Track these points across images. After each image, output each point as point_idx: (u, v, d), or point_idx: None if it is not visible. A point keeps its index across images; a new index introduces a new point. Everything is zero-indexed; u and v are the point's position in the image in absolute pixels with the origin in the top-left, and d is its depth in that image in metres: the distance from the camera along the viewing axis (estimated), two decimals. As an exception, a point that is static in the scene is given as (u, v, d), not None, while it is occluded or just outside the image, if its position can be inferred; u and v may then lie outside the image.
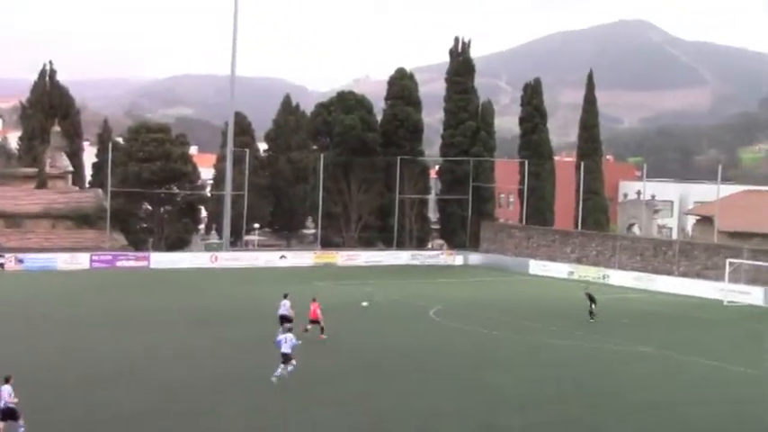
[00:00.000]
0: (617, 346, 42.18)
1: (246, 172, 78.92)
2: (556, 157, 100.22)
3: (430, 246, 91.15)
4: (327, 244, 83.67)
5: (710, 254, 66.65)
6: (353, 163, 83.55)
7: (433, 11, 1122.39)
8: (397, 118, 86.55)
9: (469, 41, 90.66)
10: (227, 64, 77.37)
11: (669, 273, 68.15)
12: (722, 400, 32.47)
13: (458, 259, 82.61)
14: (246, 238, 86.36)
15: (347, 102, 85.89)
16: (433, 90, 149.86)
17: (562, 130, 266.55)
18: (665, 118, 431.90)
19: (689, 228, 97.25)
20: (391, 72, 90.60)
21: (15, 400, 24.28)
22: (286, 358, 31.54)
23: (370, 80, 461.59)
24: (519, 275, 74.98)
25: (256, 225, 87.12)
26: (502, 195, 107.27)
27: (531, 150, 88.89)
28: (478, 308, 53.79)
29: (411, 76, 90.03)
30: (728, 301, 59.53)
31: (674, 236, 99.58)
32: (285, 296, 41.22)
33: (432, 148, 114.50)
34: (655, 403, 31.28)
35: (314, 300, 41.29)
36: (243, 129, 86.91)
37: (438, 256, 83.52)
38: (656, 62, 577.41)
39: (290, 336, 32.27)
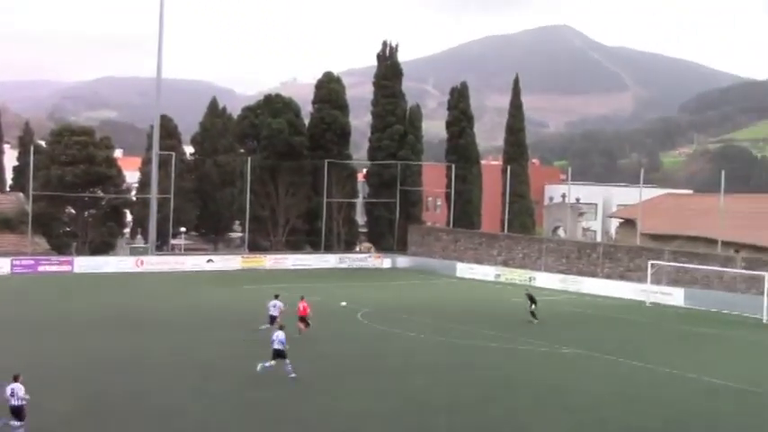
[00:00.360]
0: (543, 348, 42.52)
1: (172, 175, 78.02)
2: (483, 161, 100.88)
3: (358, 249, 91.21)
4: (255, 248, 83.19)
5: (633, 256, 67.68)
6: (281, 166, 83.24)
7: (361, 15, 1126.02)
8: (325, 121, 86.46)
9: (397, 45, 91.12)
10: (152, 66, 76.56)
11: (593, 275, 69.09)
12: (646, 399, 32.84)
13: (385, 262, 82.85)
14: (173, 242, 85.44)
15: (274, 105, 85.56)
16: (360, 94, 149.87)
17: (489, 134, 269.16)
18: (589, 122, 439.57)
19: (612, 230, 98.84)
20: (319, 75, 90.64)
21: (27, 397, 24.40)
22: (277, 354, 33.15)
23: (298, 83, 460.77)
24: (446, 278, 75.41)
25: (183, 229, 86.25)
26: (429, 199, 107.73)
27: (458, 154, 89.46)
28: (406, 310, 53.79)
29: (339, 80, 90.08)
30: (651, 302, 60.64)
31: (599, 238, 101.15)
32: (276, 296, 42.21)
33: (359, 151, 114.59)
34: (581, 404, 31.63)
35: (302, 298, 42.86)
36: (169, 132, 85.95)
37: (366, 259, 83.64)
38: (580, 67, 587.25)
39: (281, 334, 33.68)
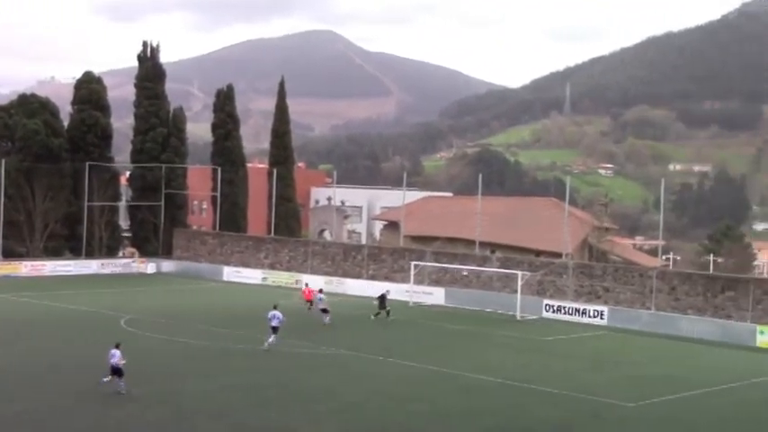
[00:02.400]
0: (310, 350, 42.91)
1: None
2: (249, 164, 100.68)
3: (121, 254, 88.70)
4: (10, 254, 79.15)
5: (397, 257, 69.23)
6: (38, 169, 79.69)
7: (122, 15, 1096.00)
8: (85, 123, 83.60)
9: (158, 46, 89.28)
10: None
11: (359, 276, 70.16)
12: (409, 397, 33.81)
13: (150, 267, 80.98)
14: None
15: (30, 105, 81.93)
16: (122, 95, 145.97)
17: (255, 138, 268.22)
18: (354, 126, 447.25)
19: (377, 232, 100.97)
20: (79, 75, 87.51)
21: (124, 362, 31.51)
22: (274, 330, 41.45)
23: (56, 83, 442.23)
24: (213, 282, 74.71)
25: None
26: (195, 202, 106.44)
27: (224, 157, 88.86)
28: (172, 316, 52.99)
29: (100, 80, 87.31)
30: (414, 302, 62.06)
31: (363, 240, 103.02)
32: (275, 307, 43.25)
33: (122, 154, 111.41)
34: (347, 404, 32.22)
35: (306, 284, 56.12)
36: None
37: (130, 264, 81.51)
38: (344, 72, 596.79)
39: (278, 313, 41.81)
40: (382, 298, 55.15)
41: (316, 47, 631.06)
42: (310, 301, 55.02)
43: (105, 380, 31.87)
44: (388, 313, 54.49)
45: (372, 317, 53.98)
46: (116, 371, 31.35)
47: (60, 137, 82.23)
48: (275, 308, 42.18)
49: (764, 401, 36.55)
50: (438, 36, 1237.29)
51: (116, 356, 31.56)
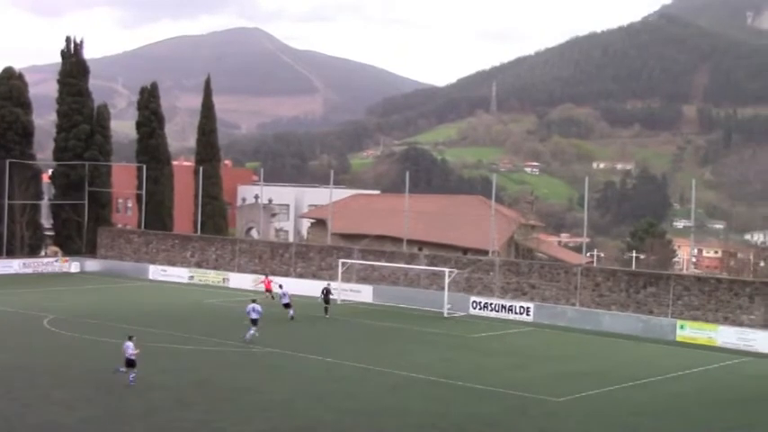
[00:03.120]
0: (236, 348, 42.76)
1: None
2: (174, 162, 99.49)
3: (44, 253, 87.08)
4: (-73, 254, 77.52)
5: (325, 255, 69.20)
6: (-44, 166, 78.08)
7: (42, 10, 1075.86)
8: (6, 120, 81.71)
9: (82, 42, 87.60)
10: None
11: (287, 274, 69.74)
12: (337, 394, 33.91)
13: (74, 266, 79.63)
14: None
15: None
16: (44, 91, 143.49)
17: (180, 135, 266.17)
18: (281, 124, 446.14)
19: (304, 230, 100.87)
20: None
21: (137, 352, 33.28)
22: (254, 323, 43.60)
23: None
24: (138, 281, 73.88)
25: None
26: (120, 200, 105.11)
27: (149, 155, 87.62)
28: (97, 316, 52.22)
29: (20, 76, 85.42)
30: (342, 300, 61.90)
31: (291, 238, 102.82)
32: (253, 301, 45.75)
33: (44, 151, 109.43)
34: (275, 401, 32.14)
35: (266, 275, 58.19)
36: None
37: (52, 263, 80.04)
38: (271, 70, 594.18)
39: (257, 305, 44.14)
40: (326, 292, 56.46)
41: (243, 44, 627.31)
42: (270, 291, 59.74)
43: (122, 369, 33.42)
44: (326, 310, 55.45)
45: (326, 316, 54.89)
46: (130, 362, 33.17)
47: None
48: (254, 301, 45.02)
49: (684, 394, 37.33)
50: (365, 35, 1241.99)
51: (130, 348, 33.27)
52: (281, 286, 56.43)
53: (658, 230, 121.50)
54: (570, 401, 34.18)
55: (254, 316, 43.99)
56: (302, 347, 43.41)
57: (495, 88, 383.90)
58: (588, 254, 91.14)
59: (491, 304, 59.30)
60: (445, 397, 34.21)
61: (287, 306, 52.68)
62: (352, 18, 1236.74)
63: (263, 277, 64.75)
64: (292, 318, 52.24)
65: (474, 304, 59.77)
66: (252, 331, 43.73)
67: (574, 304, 57.46)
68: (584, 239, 78.56)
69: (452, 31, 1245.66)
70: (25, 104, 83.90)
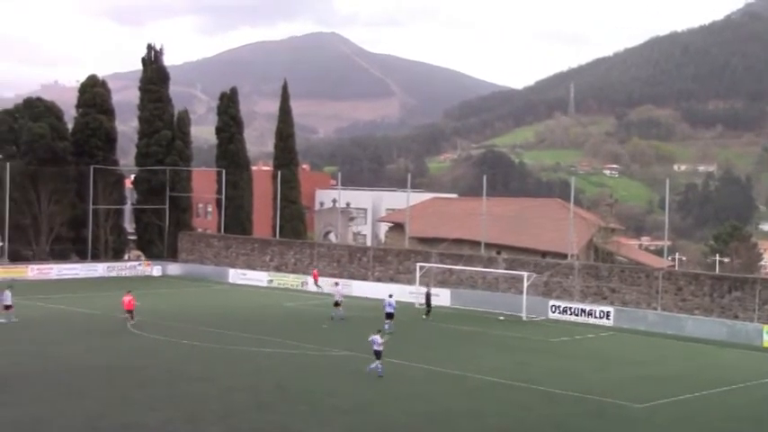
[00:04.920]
0: (316, 352, 42.88)
1: (-77, 183, 73.40)
2: (253, 167, 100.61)
3: (127, 257, 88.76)
4: (16, 257, 79.38)
5: (402, 259, 69.10)
6: (43, 173, 79.82)
7: (126, 18, 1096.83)
8: (90, 126, 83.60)
9: (162, 49, 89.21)
10: None
11: (365, 278, 70.07)
12: (412, 397, 33.77)
13: (156, 270, 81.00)
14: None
15: (35, 109, 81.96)
16: (127, 98, 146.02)
17: (259, 140, 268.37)
18: (358, 128, 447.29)
19: (382, 234, 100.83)
20: (82, 79, 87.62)
21: (384, 341, 37.05)
22: (389, 316, 48.42)
23: (60, 86, 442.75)
24: (219, 284, 74.69)
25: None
26: (200, 205, 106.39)
27: (229, 160, 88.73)
28: (178, 319, 52.94)
29: (104, 84, 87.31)
30: (420, 304, 61.35)
31: (369, 242, 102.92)
32: (390, 296, 50.92)
33: (127, 157, 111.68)
34: (353, 405, 32.10)
35: (129, 292, 49.85)
36: None
37: (135, 267, 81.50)
38: (348, 74, 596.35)
39: (392, 301, 50.00)
40: (427, 296, 57.69)
41: (320, 49, 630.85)
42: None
43: (372, 367, 36.53)
44: (427, 313, 56.63)
45: (424, 317, 55.92)
46: (377, 354, 36.50)
47: (65, 140, 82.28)
48: (390, 296, 50.26)
49: (771, 401, 36.40)
50: (441, 38, 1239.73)
51: (377, 342, 36.71)
52: (336, 284, 58.53)
53: (743, 233, 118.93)
54: (653, 407, 33.53)
55: (389, 310, 48.61)
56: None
57: (573, 90, 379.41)
58: (670, 257, 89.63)
59: (570, 308, 58.60)
60: (522, 401, 33.90)
61: (337, 304, 54.01)
62: (425, 22, 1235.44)
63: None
64: (342, 318, 53.30)
65: (553, 308, 59.14)
66: (387, 327, 46.52)
67: (655, 308, 56.49)
68: (666, 243, 77.22)
69: (528, 33, 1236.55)
70: (108, 111, 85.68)
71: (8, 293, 49.24)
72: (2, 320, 45.40)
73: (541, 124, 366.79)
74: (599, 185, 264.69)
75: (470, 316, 58.76)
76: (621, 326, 55.54)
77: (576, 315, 58.08)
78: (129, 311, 49.37)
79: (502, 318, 56.60)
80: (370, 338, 37.45)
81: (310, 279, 71.28)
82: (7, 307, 48.49)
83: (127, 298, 49.64)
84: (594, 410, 32.69)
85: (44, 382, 34.11)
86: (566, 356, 45.10)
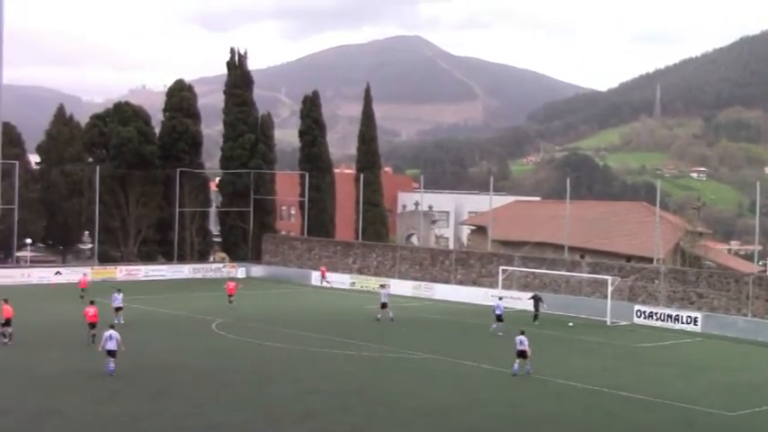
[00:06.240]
0: (396, 354, 42.81)
1: (17, 185, 75.17)
2: (336, 170, 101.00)
3: (212, 259, 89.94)
4: (105, 259, 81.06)
5: (485, 262, 68.76)
6: (131, 176, 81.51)
7: (211, 23, 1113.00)
8: (176, 130, 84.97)
9: (246, 53, 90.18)
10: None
11: (447, 281, 69.95)
12: (497, 401, 33.48)
13: (240, 272, 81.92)
14: (18, 254, 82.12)
15: (124, 113, 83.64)
16: (212, 102, 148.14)
17: (342, 143, 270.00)
18: (441, 131, 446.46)
19: (464, 237, 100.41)
20: (169, 83, 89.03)
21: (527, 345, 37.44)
22: (499, 319, 50.42)
23: (147, 91, 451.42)
24: (301, 287, 75.21)
25: (28, 240, 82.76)
26: (283, 208, 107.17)
27: (312, 163, 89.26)
28: (261, 320, 53.38)
29: (190, 88, 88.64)
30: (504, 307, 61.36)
31: (451, 245, 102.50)
32: (500, 299, 54.29)
33: (212, 160, 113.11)
34: (433, 408, 31.85)
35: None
36: (12, 140, 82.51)
37: (220, 269, 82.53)
38: (431, 76, 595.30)
39: (501, 303, 51.96)
40: (536, 299, 56.96)
41: (403, 52, 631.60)
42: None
43: (516, 368, 37.28)
44: (535, 317, 55.90)
45: (534, 321, 54.78)
46: (521, 354, 37.29)
47: (152, 144, 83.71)
48: (500, 299, 54.36)
49: None
50: (523, 40, 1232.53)
51: (524, 343, 37.30)
52: (383, 286, 60.21)
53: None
54: (743, 416, 32.58)
55: (498, 312, 50.49)
56: (459, 354, 43.22)
57: (659, 92, 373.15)
58: (761, 262, 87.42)
59: (656, 313, 57.56)
60: (607, 407, 33.30)
61: (384, 306, 54.17)
62: (507, 23, 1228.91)
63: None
64: (391, 319, 53.57)
65: (638, 313, 58.19)
66: (494, 326, 49.79)
67: (745, 315, 55.14)
68: (756, 247, 75.22)
69: (612, 34, 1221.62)
70: (194, 115, 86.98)
71: (118, 295, 49.83)
72: (117, 321, 46.01)
73: (626, 126, 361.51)
74: (686, 189, 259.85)
75: (553, 320, 57.89)
76: (709, 332, 54.29)
77: (662, 320, 57.03)
78: (92, 324, 42.23)
79: (571, 324, 55.44)
80: (516, 338, 38.12)
81: (392, 281, 71.30)
82: (117, 309, 48.97)
83: (91, 309, 42.66)
84: (684, 419, 31.87)
85: (135, 381, 34.65)
86: (652, 362, 44.20)
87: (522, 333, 38.07)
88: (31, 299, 59.14)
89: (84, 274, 66.40)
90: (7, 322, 41.89)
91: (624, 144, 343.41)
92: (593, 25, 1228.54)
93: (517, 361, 37.57)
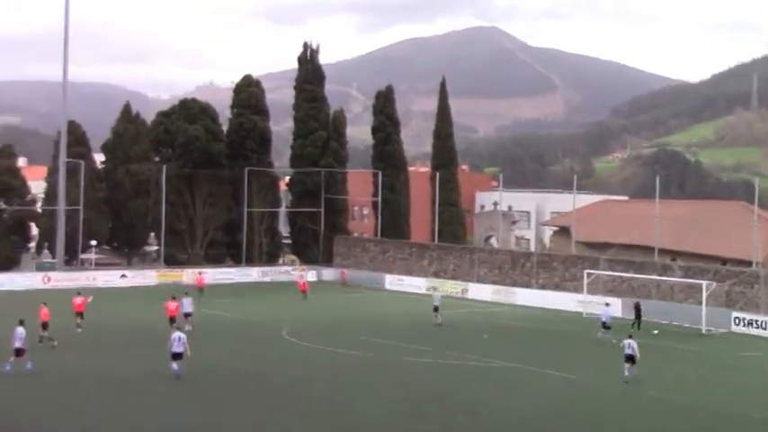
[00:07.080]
0: (476, 362, 41.14)
1: (82, 185, 74.11)
2: (410, 168, 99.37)
3: (281, 261, 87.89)
4: (171, 261, 79.47)
5: (568, 265, 66.10)
6: (198, 175, 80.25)
7: (280, 17, 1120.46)
8: (244, 127, 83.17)
9: (318, 47, 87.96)
10: (59, 69, 72.42)
11: (528, 285, 67.39)
12: (580, 413, 31.93)
13: (311, 275, 79.15)
14: (83, 256, 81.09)
15: (190, 110, 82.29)
16: (281, 98, 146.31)
17: (416, 140, 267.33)
18: (520, 126, 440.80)
19: (547, 239, 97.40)
20: (237, 79, 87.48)
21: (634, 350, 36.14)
22: (604, 326, 48.79)
23: (215, 87, 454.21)
24: (375, 291, 73.35)
25: (93, 242, 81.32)
26: (355, 208, 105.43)
27: (385, 161, 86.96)
28: (334, 326, 52.38)
29: (258, 84, 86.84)
30: (587, 313, 58.54)
31: (532, 247, 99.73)
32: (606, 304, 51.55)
33: (281, 158, 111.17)
34: (517, 418, 30.77)
35: (78, 294, 47.81)
36: (77, 138, 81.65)
37: (290, 271, 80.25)
38: (509, 69, 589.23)
39: (609, 310, 50.09)
40: (637, 308, 53.92)
41: (479, 44, 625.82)
42: (202, 290, 63.22)
43: (628, 374, 36.18)
44: (634, 325, 52.05)
45: (638, 329, 50.84)
46: (630, 358, 36.29)
47: (220, 142, 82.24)
48: (607, 305, 51.93)
49: None
50: (604, 31, 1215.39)
51: (633, 347, 36.42)
52: (435, 288, 59.85)
53: None
54: None
55: (603, 320, 49.01)
56: (541, 363, 41.36)
57: (756, 83, 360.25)
58: None
59: (756, 321, 54.17)
60: (705, 422, 31.28)
61: (436, 309, 53.52)
62: (588, 13, 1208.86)
63: (198, 273, 70.21)
64: (439, 324, 52.73)
65: (736, 321, 54.95)
66: (600, 334, 48.40)
67: None
68: None
69: (702, 23, 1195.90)
70: (263, 112, 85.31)
71: (187, 300, 48.52)
72: (188, 328, 43.99)
73: (720, 120, 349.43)
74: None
75: (644, 327, 54.34)
76: (817, 343, 50.69)
77: (763, 329, 53.48)
78: (80, 313, 46.56)
79: (656, 332, 52.26)
80: (623, 342, 37.48)
81: (470, 285, 69.07)
82: (187, 315, 47.62)
83: (78, 299, 47.08)
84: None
85: (204, 387, 34.22)
86: (752, 373, 41.86)
87: (630, 337, 37.27)
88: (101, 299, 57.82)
89: (200, 273, 69.16)
90: (44, 325, 42.35)
91: (718, 139, 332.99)
92: (678, 13, 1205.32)
93: (626, 366, 36.37)
